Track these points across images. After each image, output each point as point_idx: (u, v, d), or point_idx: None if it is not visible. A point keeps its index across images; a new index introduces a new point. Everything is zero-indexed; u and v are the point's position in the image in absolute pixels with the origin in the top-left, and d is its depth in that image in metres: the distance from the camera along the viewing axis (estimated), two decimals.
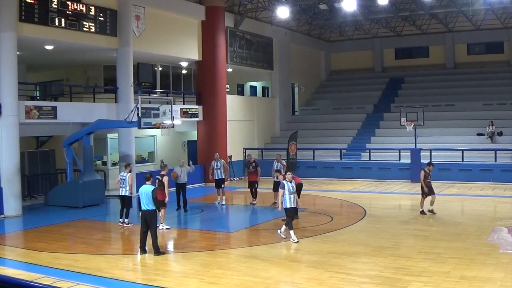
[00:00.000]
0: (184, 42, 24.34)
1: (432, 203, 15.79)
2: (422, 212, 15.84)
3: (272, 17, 28.94)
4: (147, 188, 11.75)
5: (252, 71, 30.16)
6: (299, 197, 15.40)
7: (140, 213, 11.90)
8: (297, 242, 12.30)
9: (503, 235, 12.81)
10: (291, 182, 12.73)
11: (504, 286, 9.05)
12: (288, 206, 12.61)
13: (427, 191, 15.90)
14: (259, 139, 30.15)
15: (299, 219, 14.62)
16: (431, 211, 15.82)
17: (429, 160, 18.76)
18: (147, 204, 11.63)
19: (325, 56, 38.05)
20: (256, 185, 18.27)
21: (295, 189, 12.82)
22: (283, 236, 12.74)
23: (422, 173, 15.97)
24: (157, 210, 11.91)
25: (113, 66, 21.58)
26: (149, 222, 11.61)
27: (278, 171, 16.50)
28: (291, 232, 12.46)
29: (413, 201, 19.68)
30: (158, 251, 11.56)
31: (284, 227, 12.80)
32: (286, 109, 32.58)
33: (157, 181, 13.98)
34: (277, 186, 17.55)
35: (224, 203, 18.55)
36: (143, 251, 11.63)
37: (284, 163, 18.43)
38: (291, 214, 12.75)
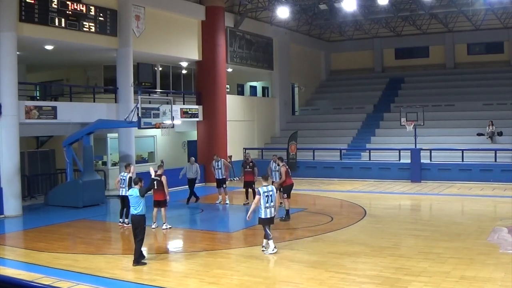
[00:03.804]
0: (184, 42, 24.34)
1: None
2: None
3: (272, 17, 28.94)
4: (134, 192, 11.17)
5: (252, 71, 30.16)
6: (289, 197, 15.42)
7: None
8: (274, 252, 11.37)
9: (503, 235, 12.80)
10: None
11: (504, 286, 9.05)
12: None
13: None
14: (259, 139, 30.16)
15: (299, 218, 14.56)
16: None
17: None
18: (134, 208, 11.06)
19: (325, 56, 38.04)
20: (253, 185, 18.19)
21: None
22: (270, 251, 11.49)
23: None
24: (145, 215, 11.09)
25: (113, 66, 21.57)
26: (135, 228, 10.96)
27: (280, 158, 16.34)
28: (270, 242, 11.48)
29: (413, 201, 19.73)
30: (138, 260, 10.75)
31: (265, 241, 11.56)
32: (286, 109, 32.57)
33: (154, 182, 13.90)
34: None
35: (227, 202, 18.57)
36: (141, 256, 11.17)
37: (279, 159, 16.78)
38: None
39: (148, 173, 12.40)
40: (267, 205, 11.46)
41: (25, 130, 18.03)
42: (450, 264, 10.35)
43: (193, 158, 19.62)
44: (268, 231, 11.47)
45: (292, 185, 15.70)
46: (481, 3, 27.21)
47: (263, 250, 11.58)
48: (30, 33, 17.51)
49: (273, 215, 11.64)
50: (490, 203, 18.18)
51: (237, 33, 27.54)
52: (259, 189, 11.61)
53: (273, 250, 11.36)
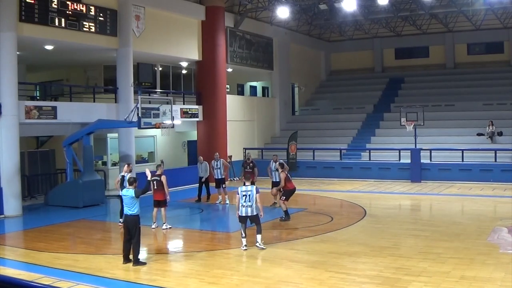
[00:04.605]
0: (184, 42, 24.34)
1: None
2: None
3: (272, 17, 28.94)
4: (129, 192, 10.94)
5: (252, 71, 30.16)
6: (287, 200, 15.39)
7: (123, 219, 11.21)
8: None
9: (503, 235, 12.81)
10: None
11: (504, 286, 9.05)
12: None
13: None
14: (259, 139, 30.16)
15: (299, 218, 14.57)
16: None
17: None
18: (129, 209, 10.87)
19: (325, 56, 38.05)
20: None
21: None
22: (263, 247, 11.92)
23: None
24: (139, 216, 10.96)
25: (113, 66, 21.57)
26: (131, 229, 10.81)
27: (282, 164, 16.33)
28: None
29: (413, 201, 19.73)
30: (138, 261, 10.75)
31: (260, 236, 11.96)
32: (286, 109, 32.58)
33: (154, 182, 13.87)
34: (275, 186, 17.55)
35: (227, 202, 18.54)
36: (126, 259, 10.85)
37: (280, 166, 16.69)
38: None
39: (144, 174, 12.21)
40: (244, 203, 11.84)
41: (25, 130, 18.03)
42: (450, 264, 10.35)
43: (201, 157, 19.55)
44: (242, 230, 11.82)
45: (294, 190, 15.62)
46: (481, 3, 27.21)
47: (262, 248, 11.63)
48: (30, 33, 17.51)
49: (249, 214, 11.85)
50: (490, 203, 18.18)
51: (237, 33, 27.54)
52: (238, 188, 12.12)
53: (243, 247, 11.72)
